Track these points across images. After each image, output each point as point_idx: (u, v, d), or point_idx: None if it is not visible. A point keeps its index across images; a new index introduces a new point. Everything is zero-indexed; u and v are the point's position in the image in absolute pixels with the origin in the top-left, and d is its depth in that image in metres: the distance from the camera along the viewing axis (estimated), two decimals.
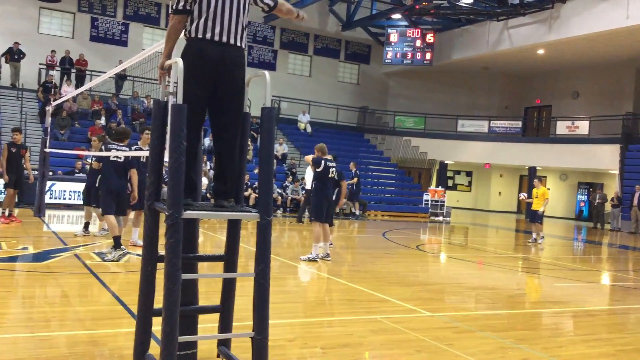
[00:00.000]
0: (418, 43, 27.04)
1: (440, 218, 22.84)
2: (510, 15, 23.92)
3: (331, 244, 11.05)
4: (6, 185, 12.26)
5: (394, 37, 27.37)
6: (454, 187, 31.81)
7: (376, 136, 28.82)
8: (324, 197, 9.67)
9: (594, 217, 24.63)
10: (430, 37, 26.91)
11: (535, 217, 15.54)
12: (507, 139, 27.43)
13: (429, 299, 7.40)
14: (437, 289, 8.24)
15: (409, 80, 30.47)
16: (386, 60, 27.78)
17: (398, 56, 27.41)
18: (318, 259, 9.60)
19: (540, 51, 24.95)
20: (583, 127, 25.66)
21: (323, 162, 9.65)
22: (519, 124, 28.25)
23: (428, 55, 26.98)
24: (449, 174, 30.72)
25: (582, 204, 28.80)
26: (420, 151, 27.83)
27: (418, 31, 26.99)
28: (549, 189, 16.33)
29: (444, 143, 27.76)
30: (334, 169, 9.74)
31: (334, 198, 10.08)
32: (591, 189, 28.10)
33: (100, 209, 9.35)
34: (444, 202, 23.46)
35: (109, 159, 8.89)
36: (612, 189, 24.84)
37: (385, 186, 24.87)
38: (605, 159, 24.67)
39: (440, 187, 25.16)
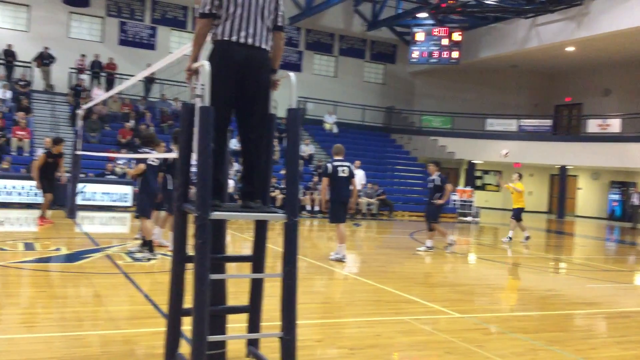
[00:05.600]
0: (444, 42, 26.80)
1: (469, 218, 22.60)
2: (538, 13, 23.56)
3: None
4: (44, 191, 12.32)
5: (419, 36, 27.17)
6: (483, 187, 31.46)
7: (402, 136, 28.66)
8: (337, 199, 9.62)
9: (629, 217, 24.06)
10: (457, 36, 26.65)
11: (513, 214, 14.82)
12: (537, 137, 27.01)
13: (458, 300, 7.33)
14: (466, 290, 8.15)
15: (435, 79, 30.23)
16: (412, 60, 27.60)
17: (424, 55, 27.21)
18: (345, 260, 9.59)
19: (570, 48, 24.52)
20: (615, 124, 25.13)
21: (330, 165, 9.59)
22: (549, 122, 27.80)
23: (455, 54, 26.71)
24: (478, 173, 30.39)
25: (615, 204, 28.21)
26: (447, 151, 27.58)
27: (444, 30, 26.75)
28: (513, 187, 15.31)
29: (472, 142, 27.45)
30: (344, 167, 9.59)
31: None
32: (624, 188, 27.52)
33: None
34: (472, 202, 23.22)
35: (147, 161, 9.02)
36: None
37: (412, 186, 24.73)
38: (638, 157, 24.11)
39: (468, 187, 24.90)
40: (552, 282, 9.62)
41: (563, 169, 26.88)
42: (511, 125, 27.74)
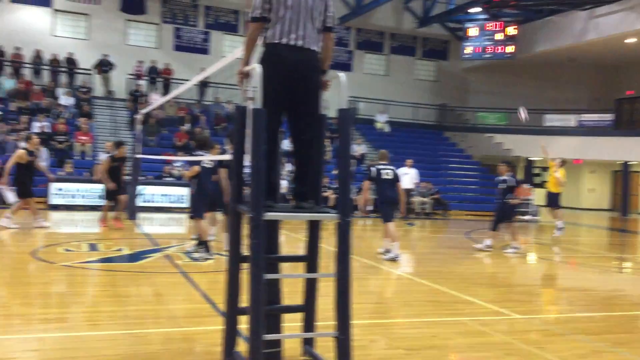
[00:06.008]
0: (498, 36, 26.18)
1: (528, 217, 22.01)
2: (596, 4, 22.74)
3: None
4: (117, 193, 12.43)
5: (473, 31, 26.64)
6: (541, 185, 30.57)
7: (456, 134, 28.19)
8: (384, 199, 9.90)
9: None
10: (512, 30, 25.97)
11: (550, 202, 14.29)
12: (598, 133, 26.05)
13: (518, 301, 7.15)
14: (526, 291, 7.95)
15: (490, 75, 29.57)
16: (465, 56, 27.11)
17: (478, 51, 26.66)
18: (398, 259, 9.56)
19: (631, 40, 23.51)
20: None
21: (373, 169, 9.92)
22: (610, 117, 26.76)
23: (510, 49, 26.03)
24: (536, 170, 29.57)
25: None
26: (504, 148, 26.94)
27: (498, 24, 26.12)
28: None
29: (530, 139, 26.64)
30: (388, 170, 9.83)
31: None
32: None
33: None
34: (531, 200, 22.59)
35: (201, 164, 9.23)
36: None
37: (468, 185, 24.29)
38: None
39: (527, 184, 24.26)
40: (616, 282, 9.26)
41: (625, 165, 25.83)
42: (570, 120, 26.85)
